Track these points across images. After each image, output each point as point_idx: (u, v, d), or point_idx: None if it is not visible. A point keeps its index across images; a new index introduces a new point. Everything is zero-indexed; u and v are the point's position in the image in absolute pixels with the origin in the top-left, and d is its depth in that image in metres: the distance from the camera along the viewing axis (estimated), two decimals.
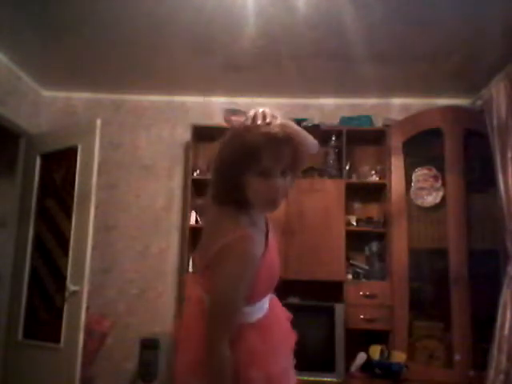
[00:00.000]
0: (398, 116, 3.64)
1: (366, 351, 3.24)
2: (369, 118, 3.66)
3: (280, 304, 1.51)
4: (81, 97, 3.97)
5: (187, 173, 3.63)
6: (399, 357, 3.11)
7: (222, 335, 1.20)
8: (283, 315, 1.50)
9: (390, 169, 3.42)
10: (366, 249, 3.54)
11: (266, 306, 1.38)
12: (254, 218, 1.30)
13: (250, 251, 1.21)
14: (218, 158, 1.28)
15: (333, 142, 3.53)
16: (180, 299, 3.50)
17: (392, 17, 2.69)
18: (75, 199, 3.17)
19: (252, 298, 1.28)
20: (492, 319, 2.94)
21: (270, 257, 1.31)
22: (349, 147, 3.54)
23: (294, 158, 1.23)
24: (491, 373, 2.85)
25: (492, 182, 3.10)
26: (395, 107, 3.79)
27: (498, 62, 3.06)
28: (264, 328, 1.34)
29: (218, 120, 3.64)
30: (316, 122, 3.57)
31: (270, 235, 1.37)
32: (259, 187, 1.22)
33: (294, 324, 1.51)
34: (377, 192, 3.63)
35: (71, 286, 3.02)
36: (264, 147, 1.19)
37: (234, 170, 1.23)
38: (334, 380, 3.05)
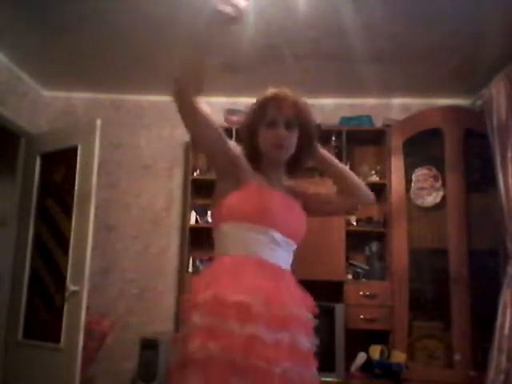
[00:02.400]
0: (398, 116, 3.64)
1: (366, 351, 3.24)
2: (369, 118, 3.66)
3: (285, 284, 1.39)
4: (81, 97, 3.97)
5: (187, 173, 3.63)
6: (399, 357, 3.11)
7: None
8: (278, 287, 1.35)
9: (389, 169, 3.42)
10: (366, 249, 3.54)
11: (242, 252, 1.38)
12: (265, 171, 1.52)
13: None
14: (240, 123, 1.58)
15: (333, 142, 3.54)
16: (180, 299, 3.50)
17: (392, 17, 2.70)
18: (75, 199, 3.17)
19: (224, 214, 1.43)
20: (492, 319, 2.94)
21: (259, 193, 1.43)
22: (349, 147, 3.54)
23: (299, 116, 1.49)
24: (491, 373, 2.85)
25: (492, 182, 3.10)
26: (395, 107, 3.79)
27: (498, 62, 3.06)
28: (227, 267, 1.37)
29: (218, 120, 3.64)
30: (316, 122, 3.57)
31: (278, 190, 1.50)
32: (267, 135, 1.47)
33: None
34: (377, 192, 3.60)
35: (71, 286, 3.02)
36: (268, 102, 1.47)
37: (249, 127, 1.50)
38: (334, 380, 3.05)
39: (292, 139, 1.48)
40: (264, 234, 1.39)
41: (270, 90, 1.51)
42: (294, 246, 1.51)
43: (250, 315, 1.25)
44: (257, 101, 1.51)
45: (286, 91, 1.50)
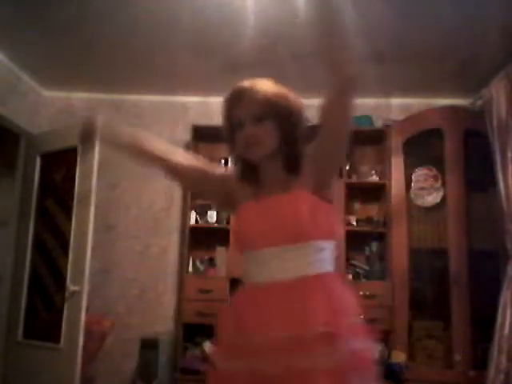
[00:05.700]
0: (398, 116, 3.63)
1: None
2: (369, 118, 3.66)
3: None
4: (81, 97, 3.97)
5: None
6: (399, 357, 3.11)
7: None
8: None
9: (389, 169, 3.42)
10: (366, 249, 3.54)
11: (249, 280, 1.31)
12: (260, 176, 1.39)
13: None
14: None
15: None
16: (180, 299, 3.50)
17: (392, 17, 2.70)
18: (75, 199, 3.16)
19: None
20: (492, 319, 2.94)
21: (242, 215, 1.35)
22: (349, 147, 3.53)
23: (268, 105, 1.34)
24: (491, 373, 2.85)
25: (492, 182, 3.10)
26: (395, 107, 3.79)
27: (498, 62, 3.06)
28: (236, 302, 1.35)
29: (218, 120, 3.62)
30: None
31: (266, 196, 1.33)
32: (238, 139, 1.35)
33: None
34: (377, 192, 3.63)
35: (71, 286, 3.02)
36: (231, 103, 1.38)
37: (228, 137, 1.43)
38: None
39: (262, 133, 1.31)
40: (251, 255, 1.31)
41: (232, 87, 1.38)
42: (306, 244, 1.25)
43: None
44: (223, 104, 1.39)
45: (248, 84, 1.38)
